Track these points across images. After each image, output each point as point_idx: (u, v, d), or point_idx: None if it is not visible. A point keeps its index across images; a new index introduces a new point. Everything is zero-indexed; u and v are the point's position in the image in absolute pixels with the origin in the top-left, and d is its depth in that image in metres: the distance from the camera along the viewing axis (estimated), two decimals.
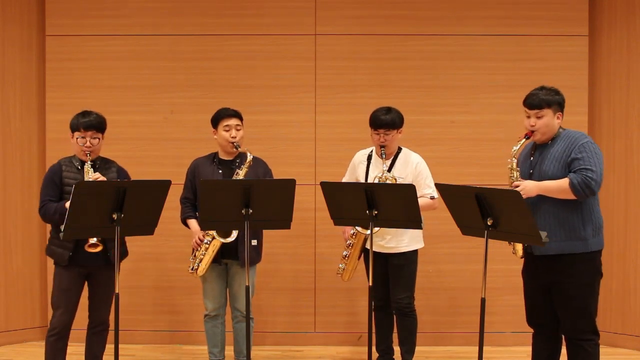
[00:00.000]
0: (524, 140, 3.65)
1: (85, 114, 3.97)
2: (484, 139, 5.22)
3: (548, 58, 5.20)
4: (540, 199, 3.57)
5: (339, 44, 5.24)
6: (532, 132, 3.63)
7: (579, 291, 3.55)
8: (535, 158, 3.69)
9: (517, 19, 5.22)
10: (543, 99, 3.60)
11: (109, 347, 3.83)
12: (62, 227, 3.44)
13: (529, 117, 3.65)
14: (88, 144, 3.90)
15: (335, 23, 5.25)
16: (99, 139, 3.96)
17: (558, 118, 3.63)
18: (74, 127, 3.94)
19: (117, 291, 3.53)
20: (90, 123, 3.91)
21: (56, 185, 3.90)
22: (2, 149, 5.23)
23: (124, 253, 4.02)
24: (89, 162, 3.88)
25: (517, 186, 3.55)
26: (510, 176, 3.65)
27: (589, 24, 5.23)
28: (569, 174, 3.53)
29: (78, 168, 3.94)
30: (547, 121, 3.60)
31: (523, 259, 3.77)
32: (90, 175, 3.83)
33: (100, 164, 4.00)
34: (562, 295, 3.59)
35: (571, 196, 3.50)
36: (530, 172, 3.68)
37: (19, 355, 5.02)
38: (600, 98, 5.27)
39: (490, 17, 5.23)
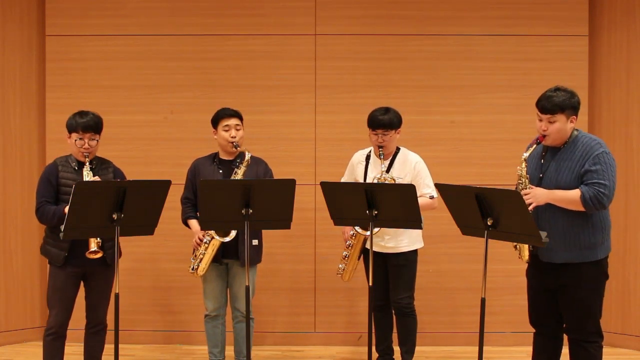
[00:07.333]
0: (535, 146, 3.54)
1: (82, 114, 3.93)
2: (484, 139, 5.22)
3: (548, 58, 5.20)
4: (550, 205, 3.48)
5: (339, 44, 5.24)
6: (544, 136, 3.50)
7: (585, 294, 3.50)
8: (547, 161, 3.57)
9: (517, 19, 5.22)
10: (557, 104, 3.45)
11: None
12: (62, 227, 3.44)
13: (540, 120, 3.51)
14: (86, 145, 3.88)
15: (335, 23, 5.25)
16: (96, 140, 3.93)
17: (572, 122, 3.49)
18: (72, 128, 3.91)
19: (117, 291, 3.53)
20: (88, 124, 3.88)
21: (52, 185, 3.88)
22: (2, 149, 5.22)
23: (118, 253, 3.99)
24: (87, 165, 3.86)
25: (527, 194, 3.45)
26: (519, 182, 3.53)
27: (589, 24, 5.22)
28: (581, 185, 3.43)
29: (75, 168, 3.93)
30: (560, 126, 3.47)
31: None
32: (89, 179, 3.80)
33: (97, 164, 3.98)
34: (568, 298, 3.54)
35: (580, 208, 3.41)
36: (540, 176, 3.57)
37: (19, 355, 5.02)
38: (600, 98, 5.26)
39: (490, 17, 5.23)
